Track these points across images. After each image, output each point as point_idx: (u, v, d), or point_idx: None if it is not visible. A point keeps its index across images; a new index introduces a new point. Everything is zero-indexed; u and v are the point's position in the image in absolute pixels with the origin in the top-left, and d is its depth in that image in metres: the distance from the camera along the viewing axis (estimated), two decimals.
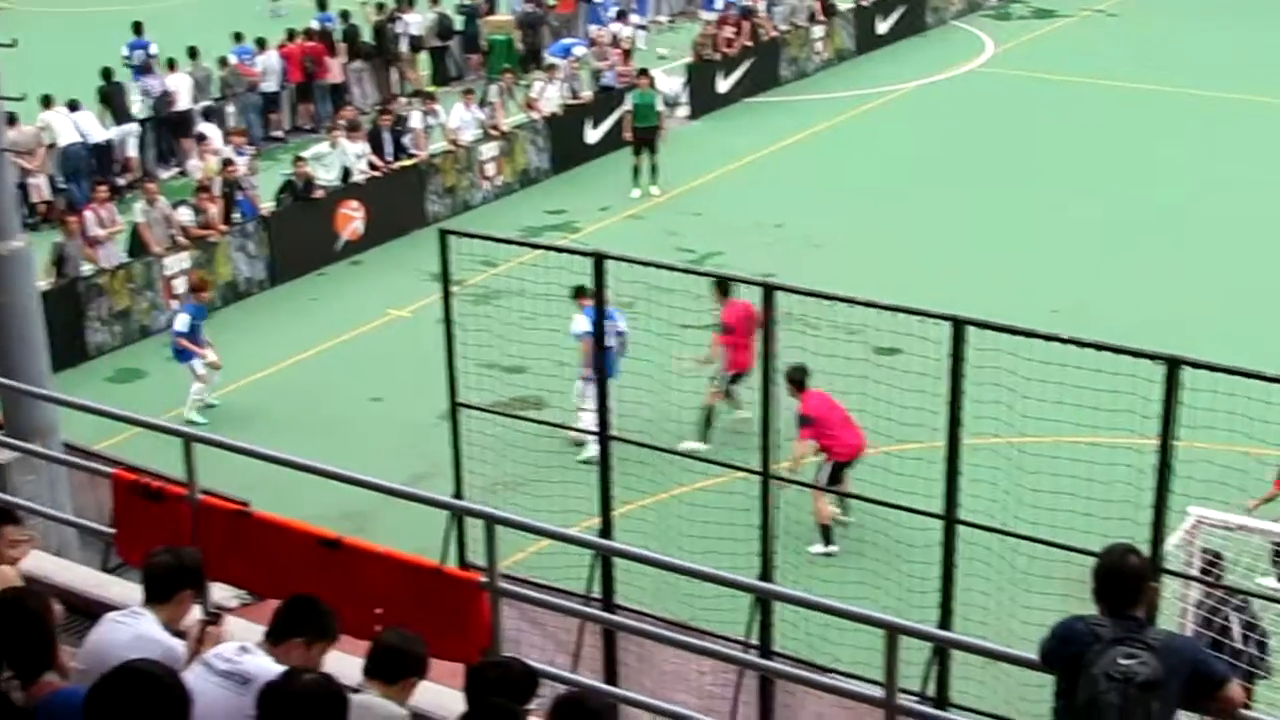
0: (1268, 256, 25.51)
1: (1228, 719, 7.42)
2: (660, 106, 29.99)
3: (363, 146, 27.82)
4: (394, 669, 7.37)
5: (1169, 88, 35.79)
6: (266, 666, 6.81)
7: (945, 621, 12.21)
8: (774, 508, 13.04)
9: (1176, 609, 13.20)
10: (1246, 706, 7.47)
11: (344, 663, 8.67)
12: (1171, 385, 10.82)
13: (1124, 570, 7.15)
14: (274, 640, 7.17)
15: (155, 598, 7.53)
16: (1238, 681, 7.19)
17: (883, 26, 40.86)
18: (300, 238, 26.18)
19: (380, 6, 36.55)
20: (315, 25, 35.55)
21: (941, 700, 12.44)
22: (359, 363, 22.70)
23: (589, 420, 17.65)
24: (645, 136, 29.79)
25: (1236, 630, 13.17)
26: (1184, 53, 39.65)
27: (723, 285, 18.57)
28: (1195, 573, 13.46)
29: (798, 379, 16.22)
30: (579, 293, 19.01)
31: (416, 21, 36.88)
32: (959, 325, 11.64)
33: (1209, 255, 25.67)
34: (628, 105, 30.44)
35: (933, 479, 12.38)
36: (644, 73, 31.03)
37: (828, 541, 16.62)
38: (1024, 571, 13.28)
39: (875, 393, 14.52)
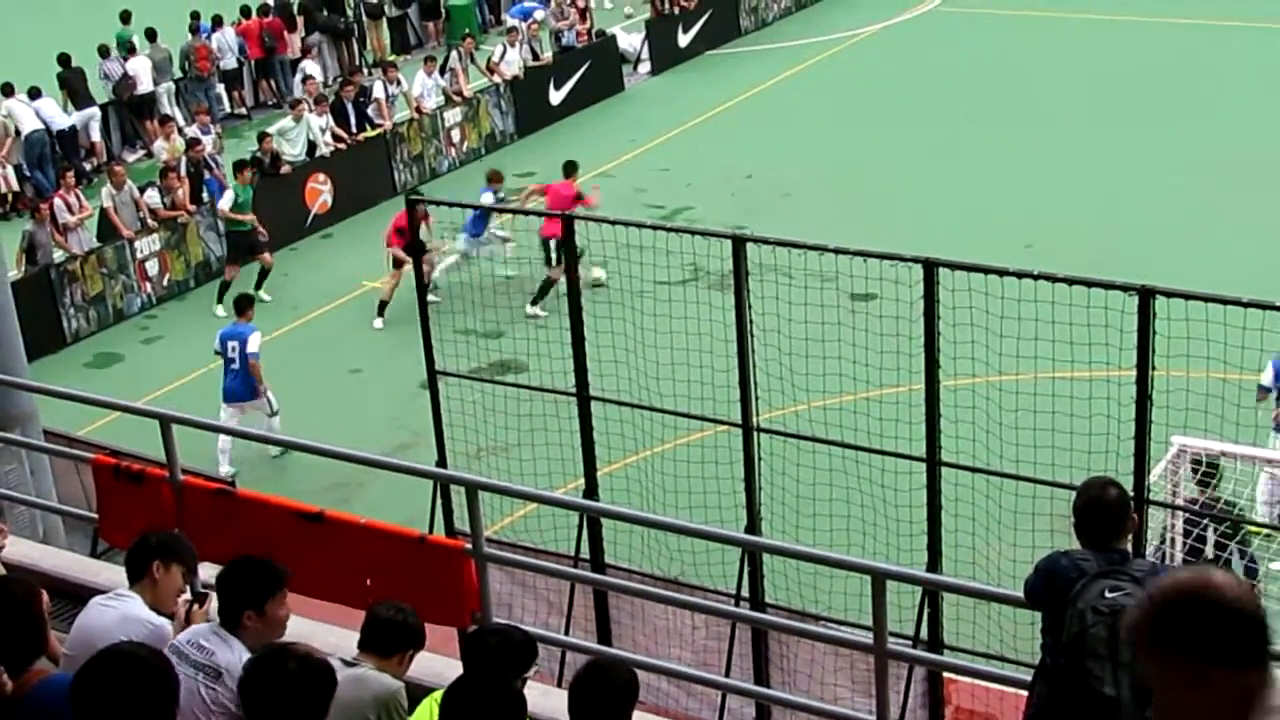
0: (1235, 180, 25.52)
1: None
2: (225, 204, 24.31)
3: (326, 119, 27.69)
4: (388, 642, 7.36)
5: (1132, 17, 35.72)
6: (235, 658, 6.74)
7: (934, 564, 12.24)
8: (757, 459, 13.04)
9: (1165, 539, 13.24)
10: None
11: (340, 636, 8.70)
12: (1145, 315, 10.82)
13: (1104, 503, 7.15)
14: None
15: (133, 577, 7.53)
16: None
17: None
18: (269, 214, 26.05)
19: None
20: (271, 1, 35.32)
21: (935, 642, 12.49)
22: (336, 336, 22.65)
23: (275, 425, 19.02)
24: (242, 241, 24.44)
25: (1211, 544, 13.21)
26: None
27: None
28: (1181, 502, 13.50)
29: None
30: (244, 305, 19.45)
31: None
32: (931, 267, 11.63)
33: (1180, 183, 25.66)
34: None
35: (914, 422, 12.39)
36: (240, 166, 24.85)
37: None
38: (1010, 510, 13.31)
39: (852, 339, 14.50)
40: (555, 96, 31.80)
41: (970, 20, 36.88)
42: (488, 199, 22.94)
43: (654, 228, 14.23)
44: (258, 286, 23.86)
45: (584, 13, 34.12)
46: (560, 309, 14.01)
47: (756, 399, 12.93)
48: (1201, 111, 29.15)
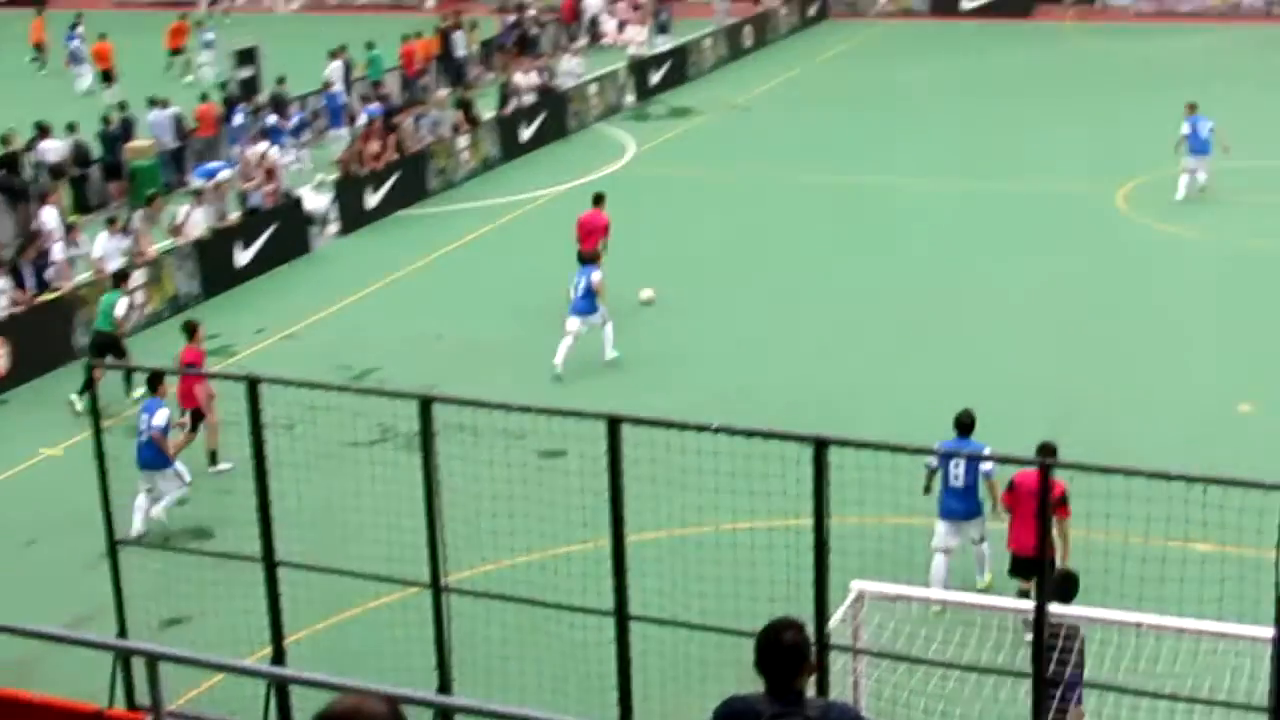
0: (908, 329, 26.57)
1: None
2: (120, 311, 25.39)
3: (4, 282, 26.97)
4: None
5: (815, 176, 37.20)
6: None
7: (625, 717, 12.35)
8: (448, 620, 13.02)
9: (847, 682, 13.58)
10: None
11: None
12: (820, 464, 11.21)
13: (781, 645, 7.35)
14: None
15: None
16: None
17: (526, 133, 41.53)
18: None
19: (4, 140, 35.57)
20: None
21: None
22: (11, 507, 21.88)
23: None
24: (111, 343, 25.33)
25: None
26: (815, 140, 41.44)
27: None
28: (862, 645, 13.88)
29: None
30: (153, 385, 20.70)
31: (54, 148, 36.05)
32: (615, 423, 11.88)
33: (857, 333, 26.61)
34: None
35: (603, 577, 12.54)
36: (122, 276, 26.53)
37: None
38: (699, 660, 13.53)
39: (542, 496, 14.65)
40: (242, 257, 31.55)
41: (654, 180, 37.87)
42: (596, 276, 25.36)
43: (342, 389, 14.23)
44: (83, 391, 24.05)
45: (270, 174, 34.00)
46: (247, 473, 13.84)
47: (446, 559, 12.95)
48: (880, 267, 30.36)
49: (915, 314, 27.51)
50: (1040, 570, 11.47)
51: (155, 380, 20.77)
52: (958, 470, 16.95)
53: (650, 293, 27.77)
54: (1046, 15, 62.67)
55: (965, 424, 17.16)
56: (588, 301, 25.38)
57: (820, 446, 11.20)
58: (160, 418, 20.16)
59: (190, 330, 23.01)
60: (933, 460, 16.91)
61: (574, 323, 25.32)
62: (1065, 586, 14.24)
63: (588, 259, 26.29)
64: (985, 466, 16.86)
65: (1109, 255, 30.55)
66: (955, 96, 46.99)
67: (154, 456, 20.17)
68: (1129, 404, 22.81)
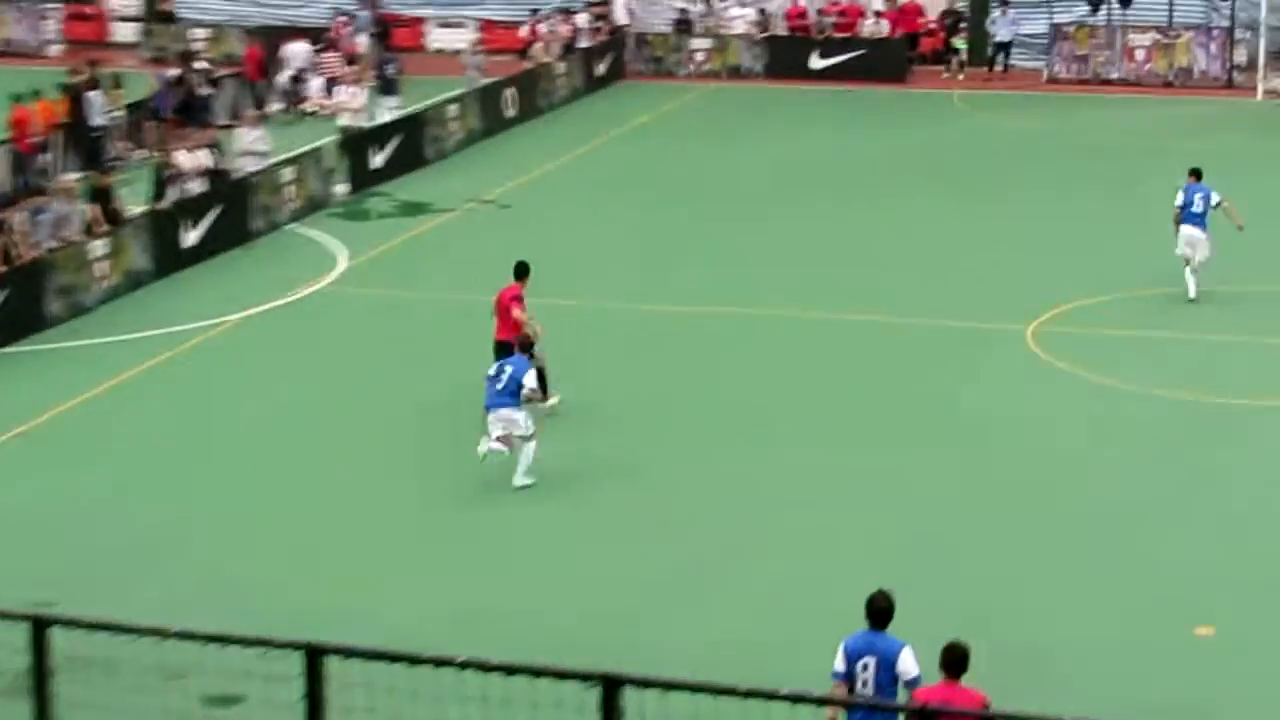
0: (741, 511, 26.66)
1: None
2: None
3: None
4: None
5: (588, 298, 37.36)
6: None
7: None
8: None
9: None
10: None
11: None
12: (611, 712, 11.21)
13: None
14: None
15: None
16: None
17: (191, 236, 41.24)
18: None
19: None
20: None
21: None
22: None
23: None
24: None
25: None
26: (602, 251, 41.93)
27: None
28: None
29: None
30: None
31: None
32: (315, 655, 11.78)
33: (671, 517, 26.57)
34: None
35: None
36: None
37: None
38: None
39: None
40: None
41: (376, 306, 37.75)
42: (531, 376, 27.72)
43: None
44: None
45: None
46: None
47: None
48: (698, 426, 30.53)
49: (751, 491, 27.62)
50: None
51: None
52: (866, 675, 16.99)
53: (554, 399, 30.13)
54: (929, 81, 64.25)
55: (880, 611, 17.18)
56: (512, 398, 27.41)
57: (611, 686, 11.21)
58: None
59: None
60: (839, 666, 17.04)
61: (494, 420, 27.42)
62: None
63: (504, 348, 28.94)
64: (908, 674, 16.91)
65: (1018, 413, 31.08)
66: (801, 191, 47.81)
67: None
68: (1054, 620, 23.07)
